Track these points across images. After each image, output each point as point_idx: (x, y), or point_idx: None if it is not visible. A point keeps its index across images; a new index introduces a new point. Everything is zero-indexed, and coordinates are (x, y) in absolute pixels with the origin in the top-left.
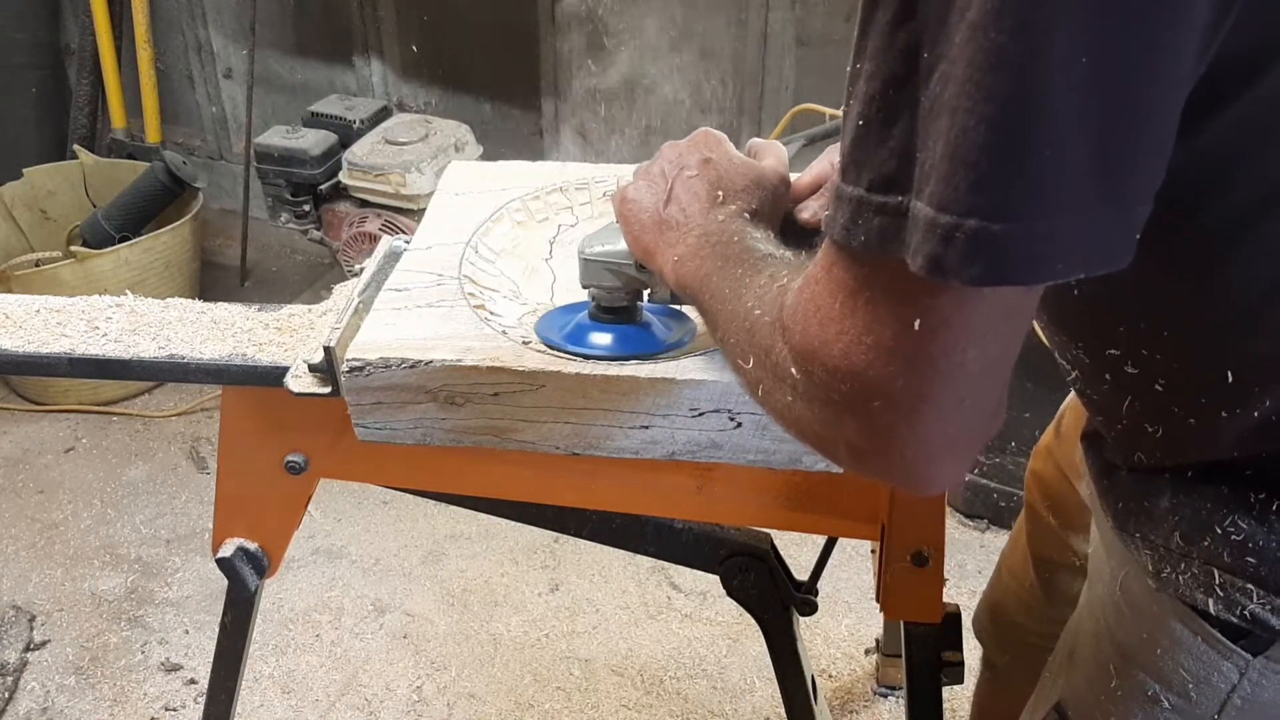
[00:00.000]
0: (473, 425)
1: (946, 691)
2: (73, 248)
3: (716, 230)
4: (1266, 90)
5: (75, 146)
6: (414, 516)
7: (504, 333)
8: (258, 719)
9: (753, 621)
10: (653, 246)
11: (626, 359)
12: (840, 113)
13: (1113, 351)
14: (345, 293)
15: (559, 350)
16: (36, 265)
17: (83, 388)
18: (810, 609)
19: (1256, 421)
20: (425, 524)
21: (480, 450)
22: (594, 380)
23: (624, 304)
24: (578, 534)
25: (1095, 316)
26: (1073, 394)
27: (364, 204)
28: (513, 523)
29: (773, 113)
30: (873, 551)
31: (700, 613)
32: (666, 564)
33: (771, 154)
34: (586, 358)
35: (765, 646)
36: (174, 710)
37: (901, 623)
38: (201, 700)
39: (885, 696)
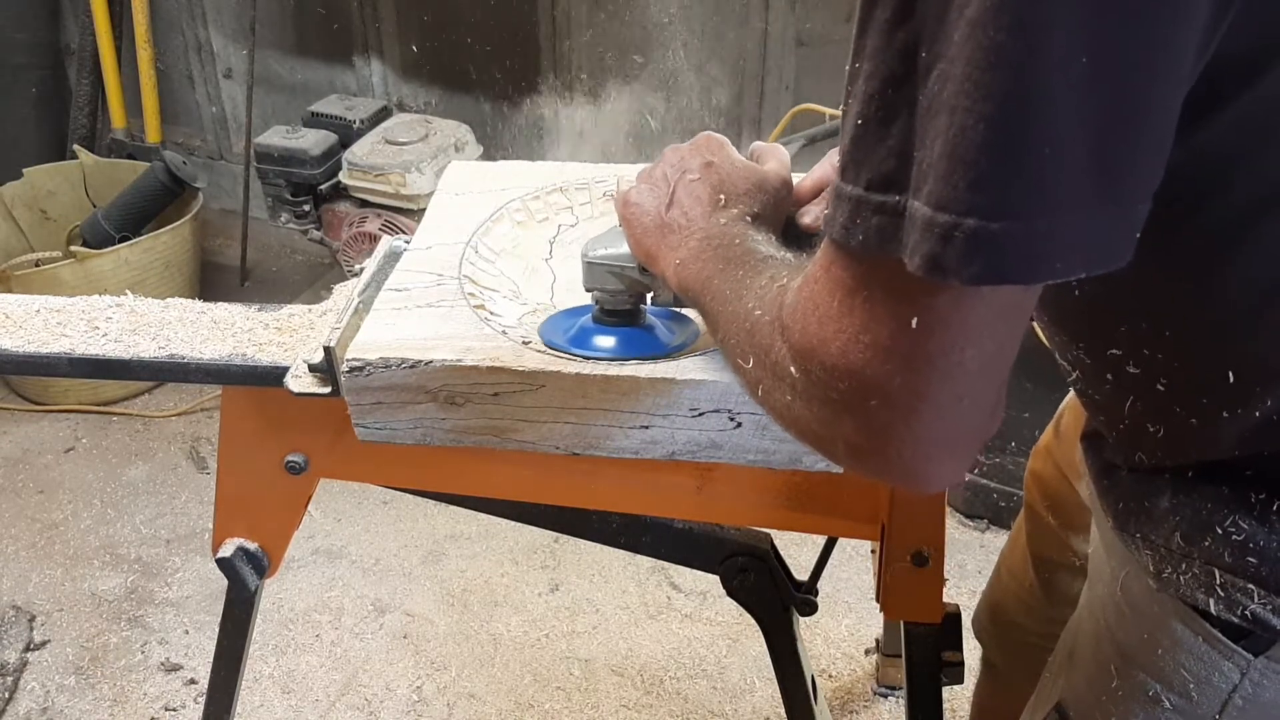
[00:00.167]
0: (473, 425)
1: (946, 691)
2: (73, 248)
3: (718, 233)
4: (1266, 90)
5: (75, 146)
6: (414, 516)
7: (504, 333)
8: (258, 719)
9: (753, 621)
10: (655, 250)
11: (629, 361)
12: (840, 112)
13: (1114, 351)
14: (345, 293)
15: (563, 353)
16: (36, 265)
17: (83, 388)
18: (810, 609)
19: (1257, 421)
20: (425, 524)
21: (480, 450)
22: (594, 380)
23: (627, 307)
24: (577, 534)
25: (1095, 316)
26: (1072, 394)
27: (364, 204)
28: (513, 523)
29: (773, 113)
30: (873, 551)
31: (700, 613)
32: (666, 564)
33: (774, 158)
34: (590, 360)
35: (765, 646)
36: (174, 710)
37: (901, 623)
38: (201, 700)
39: (885, 696)
